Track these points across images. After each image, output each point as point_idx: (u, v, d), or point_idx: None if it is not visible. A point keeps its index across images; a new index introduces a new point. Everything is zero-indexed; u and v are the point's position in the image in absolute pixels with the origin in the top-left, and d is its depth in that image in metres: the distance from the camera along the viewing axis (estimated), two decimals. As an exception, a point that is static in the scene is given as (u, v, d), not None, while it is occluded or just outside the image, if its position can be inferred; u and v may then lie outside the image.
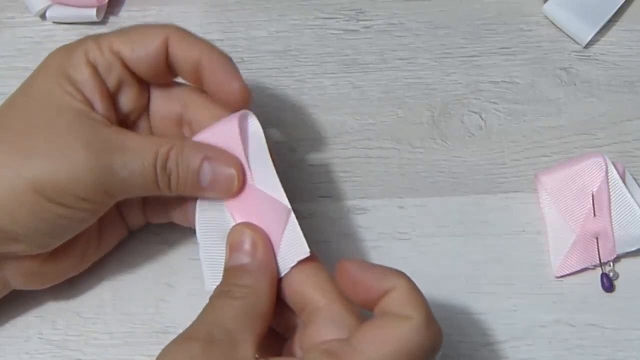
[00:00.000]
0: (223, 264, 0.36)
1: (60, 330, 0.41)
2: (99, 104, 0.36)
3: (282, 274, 0.35)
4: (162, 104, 0.39)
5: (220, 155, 0.37)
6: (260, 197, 0.36)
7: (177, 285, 0.42)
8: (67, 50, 0.37)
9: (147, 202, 0.41)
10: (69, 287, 0.41)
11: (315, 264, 0.35)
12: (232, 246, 0.35)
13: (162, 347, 0.41)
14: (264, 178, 0.37)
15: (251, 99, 0.38)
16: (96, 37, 0.38)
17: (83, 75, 0.36)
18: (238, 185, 0.37)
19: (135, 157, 0.35)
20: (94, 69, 0.37)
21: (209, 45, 0.38)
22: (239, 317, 0.33)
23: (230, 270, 0.35)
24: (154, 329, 0.41)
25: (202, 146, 0.37)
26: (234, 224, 0.36)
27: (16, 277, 0.38)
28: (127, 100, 0.38)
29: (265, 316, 0.34)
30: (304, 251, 0.35)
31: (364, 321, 0.33)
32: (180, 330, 0.41)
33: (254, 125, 0.38)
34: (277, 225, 0.36)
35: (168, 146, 0.36)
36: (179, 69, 0.38)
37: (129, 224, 0.41)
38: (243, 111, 0.37)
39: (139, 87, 0.38)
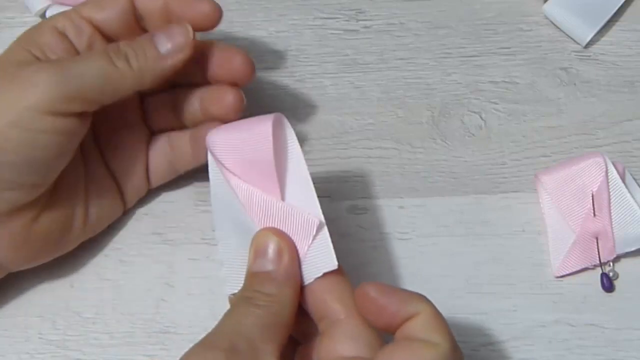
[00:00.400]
0: (244, 268, 0.35)
1: (60, 330, 0.41)
2: None
3: (306, 283, 0.35)
4: None
5: (166, 25, 0.38)
6: (285, 211, 0.35)
7: (177, 285, 0.42)
8: (35, 26, 0.38)
9: (151, 150, 0.41)
10: (69, 287, 0.41)
11: (340, 276, 0.35)
12: (257, 251, 0.35)
13: (162, 347, 0.41)
14: (298, 188, 0.36)
15: (222, 16, 0.39)
16: (62, 12, 0.39)
17: (50, 40, 0.37)
18: (194, 35, 0.38)
19: (89, 54, 0.37)
20: (62, 35, 0.37)
21: None
22: (263, 327, 0.32)
23: (254, 276, 0.35)
24: (154, 329, 0.41)
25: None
26: (254, 227, 0.35)
27: (4, 249, 0.37)
28: None
29: (288, 326, 0.33)
30: (332, 264, 0.34)
31: (383, 338, 0.33)
32: (181, 330, 0.41)
33: (288, 130, 0.36)
34: (305, 235, 0.35)
35: (114, 44, 0.37)
36: (148, 20, 0.39)
37: (127, 192, 0.41)
38: (277, 114, 0.36)
39: None
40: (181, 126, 0.42)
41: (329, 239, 0.35)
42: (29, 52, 0.37)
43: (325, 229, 0.35)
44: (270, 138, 0.35)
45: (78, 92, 0.35)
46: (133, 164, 0.41)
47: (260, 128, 0.35)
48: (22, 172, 0.35)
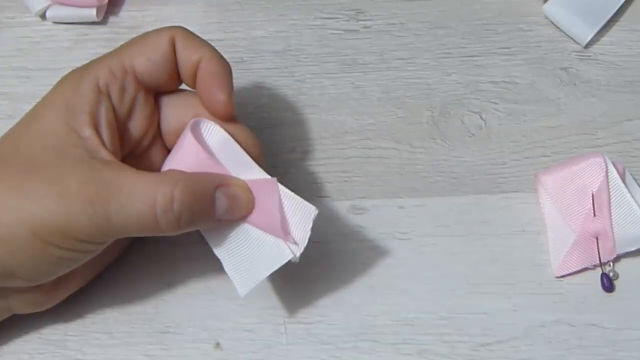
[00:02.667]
0: (248, 267, 0.36)
1: (60, 330, 0.41)
2: (108, 136, 0.35)
3: (304, 244, 0.36)
4: (174, 118, 0.38)
5: (229, 180, 0.36)
6: (252, 187, 0.37)
7: (177, 285, 0.42)
8: (75, 79, 0.36)
9: None
10: (69, 287, 0.41)
11: None
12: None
13: (162, 347, 0.41)
14: (242, 168, 0.37)
15: (233, 113, 0.38)
16: (104, 60, 0.37)
17: (92, 107, 0.35)
18: (253, 204, 0.37)
19: (132, 203, 0.33)
20: (105, 96, 0.36)
21: (211, 50, 0.37)
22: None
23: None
24: (154, 329, 0.41)
25: (209, 176, 0.36)
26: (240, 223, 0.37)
27: (19, 306, 0.38)
28: (139, 123, 0.37)
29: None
30: (311, 210, 0.36)
31: None
32: (180, 330, 0.41)
33: (207, 127, 0.37)
34: (274, 201, 0.36)
35: (169, 188, 0.34)
36: (181, 71, 0.38)
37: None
38: (193, 121, 0.37)
39: (151, 106, 0.38)
40: None
41: (291, 193, 0.36)
42: (72, 131, 0.35)
43: (280, 186, 0.37)
44: (198, 146, 0.36)
45: (113, 234, 0.34)
46: None
47: (185, 143, 0.37)
48: (39, 273, 0.35)
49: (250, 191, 0.37)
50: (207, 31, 0.48)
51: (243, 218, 0.37)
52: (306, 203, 0.36)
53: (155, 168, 0.38)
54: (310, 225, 0.36)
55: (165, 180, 0.34)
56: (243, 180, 0.37)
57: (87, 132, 0.35)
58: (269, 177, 0.37)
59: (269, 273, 0.37)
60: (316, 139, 0.45)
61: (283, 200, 0.36)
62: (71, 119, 0.35)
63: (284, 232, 0.36)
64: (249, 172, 0.37)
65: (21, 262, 0.34)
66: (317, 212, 0.36)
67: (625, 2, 0.48)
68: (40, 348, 0.40)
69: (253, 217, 0.37)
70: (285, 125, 0.46)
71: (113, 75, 0.36)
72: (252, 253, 0.37)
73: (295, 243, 0.36)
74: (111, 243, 0.37)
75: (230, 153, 0.37)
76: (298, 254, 0.37)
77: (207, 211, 0.35)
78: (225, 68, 0.37)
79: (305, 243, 0.36)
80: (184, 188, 0.34)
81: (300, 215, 0.36)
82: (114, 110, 0.36)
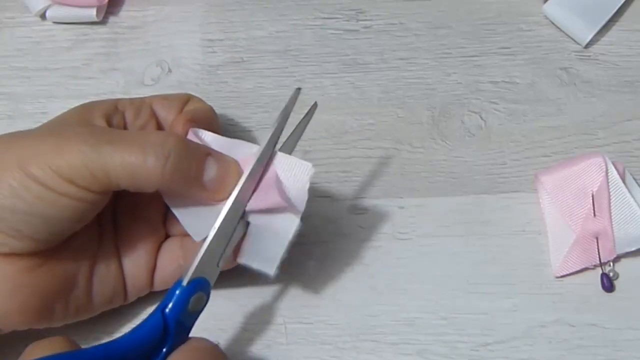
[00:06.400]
0: (205, 214, 0.36)
1: (61, 331, 0.41)
2: None
3: (305, 199, 0.36)
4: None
5: (222, 154, 0.37)
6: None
7: (177, 285, 0.42)
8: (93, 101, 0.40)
9: (162, 252, 0.40)
10: (69, 287, 0.41)
11: None
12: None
13: (162, 347, 0.40)
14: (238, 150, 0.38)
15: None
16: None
17: (107, 112, 0.38)
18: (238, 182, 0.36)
19: (129, 138, 0.35)
20: (120, 113, 0.39)
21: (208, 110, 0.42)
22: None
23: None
24: (154, 329, 0.41)
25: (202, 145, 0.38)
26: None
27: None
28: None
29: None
30: (308, 167, 0.36)
31: None
32: (180, 330, 0.41)
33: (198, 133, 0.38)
34: (271, 172, 0.36)
35: (164, 135, 0.35)
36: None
37: (128, 286, 0.40)
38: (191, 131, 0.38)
39: None
40: None
41: (288, 156, 0.37)
42: (84, 120, 0.37)
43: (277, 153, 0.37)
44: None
45: (101, 174, 0.34)
46: (140, 263, 0.40)
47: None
48: (31, 225, 0.34)
49: (240, 168, 0.37)
50: (207, 31, 0.48)
51: (227, 197, 0.36)
52: (302, 162, 0.36)
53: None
54: (307, 184, 0.35)
55: (160, 134, 0.36)
56: (235, 160, 0.37)
57: (99, 122, 0.37)
58: (256, 146, 0.37)
59: (286, 247, 0.36)
60: (316, 139, 0.45)
61: (277, 165, 0.36)
62: (86, 114, 0.38)
63: (284, 200, 0.36)
64: (243, 150, 0.37)
65: (7, 202, 0.33)
66: (313, 169, 0.36)
67: (625, 2, 0.48)
68: (41, 348, 0.40)
69: (253, 199, 0.36)
70: (285, 126, 0.46)
71: (131, 102, 0.39)
72: (261, 234, 0.36)
73: (294, 206, 0.36)
74: (100, 286, 0.39)
75: (226, 144, 0.38)
76: (298, 219, 0.36)
77: (196, 168, 0.36)
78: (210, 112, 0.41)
79: (304, 203, 0.36)
80: (177, 137, 0.36)
81: (295, 176, 0.36)
82: (125, 126, 0.39)
